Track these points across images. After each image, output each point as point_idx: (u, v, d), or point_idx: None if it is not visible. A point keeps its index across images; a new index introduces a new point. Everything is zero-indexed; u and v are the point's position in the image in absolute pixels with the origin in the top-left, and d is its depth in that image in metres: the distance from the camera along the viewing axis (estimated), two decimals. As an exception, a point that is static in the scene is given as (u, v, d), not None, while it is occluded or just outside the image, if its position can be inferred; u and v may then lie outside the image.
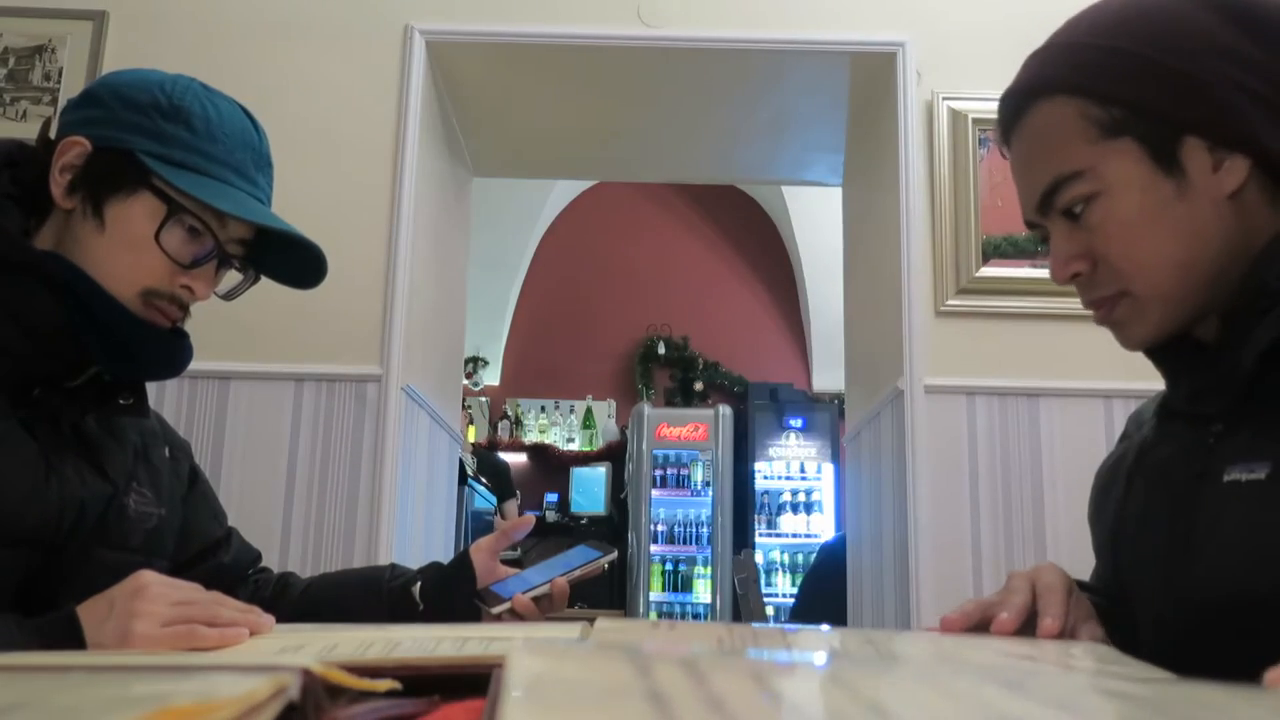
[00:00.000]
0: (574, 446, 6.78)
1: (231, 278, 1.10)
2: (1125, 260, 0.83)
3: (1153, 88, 0.81)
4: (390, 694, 0.51)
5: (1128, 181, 0.82)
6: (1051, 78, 0.86)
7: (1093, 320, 0.90)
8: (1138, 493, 0.91)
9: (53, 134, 1.01)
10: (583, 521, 6.47)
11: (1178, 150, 0.81)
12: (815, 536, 6.09)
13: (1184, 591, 0.81)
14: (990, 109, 2.66)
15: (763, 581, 5.82)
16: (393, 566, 1.20)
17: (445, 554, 3.04)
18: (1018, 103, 0.88)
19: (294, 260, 1.09)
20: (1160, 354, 0.89)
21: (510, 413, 6.83)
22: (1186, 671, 0.62)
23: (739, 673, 0.33)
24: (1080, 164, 0.84)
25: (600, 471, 6.66)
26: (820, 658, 0.45)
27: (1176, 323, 0.84)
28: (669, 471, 6.22)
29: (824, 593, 3.40)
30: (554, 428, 6.82)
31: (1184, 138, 0.81)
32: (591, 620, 0.73)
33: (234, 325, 2.35)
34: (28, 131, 2.16)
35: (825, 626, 0.90)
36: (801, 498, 6.33)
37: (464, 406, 5.23)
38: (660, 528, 6.16)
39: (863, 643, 0.67)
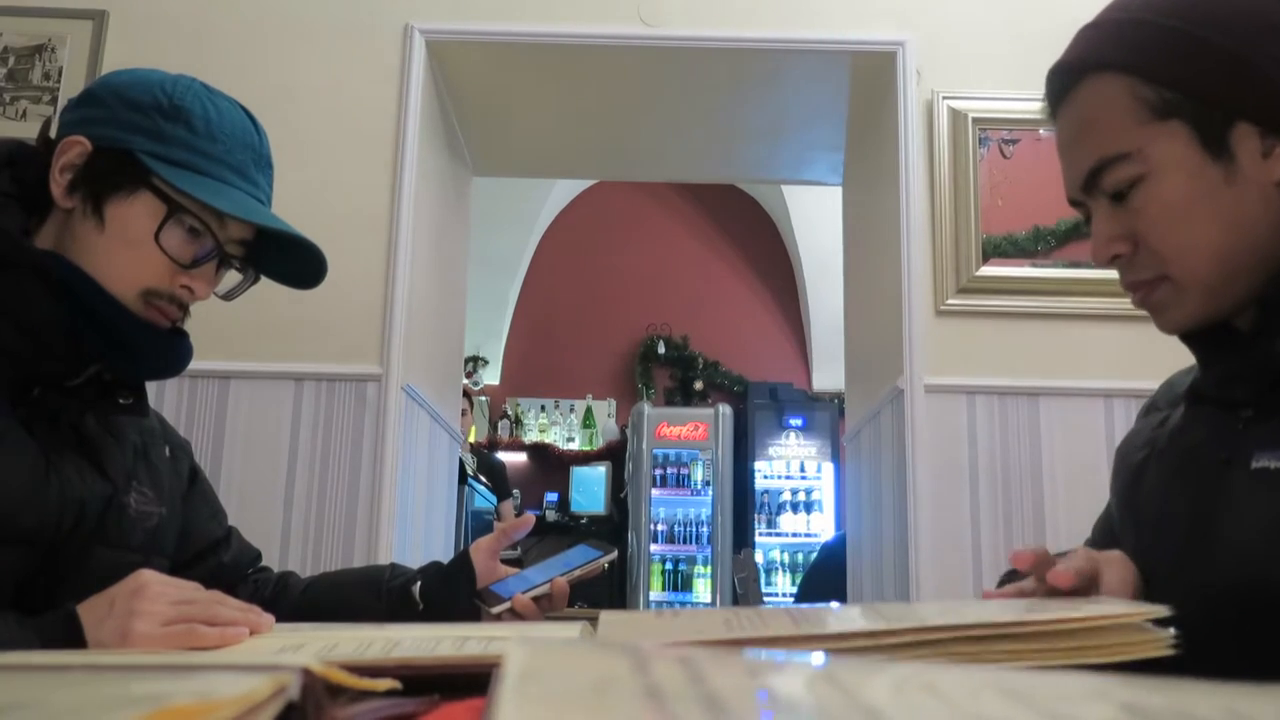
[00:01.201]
0: (574, 446, 6.78)
1: (231, 278, 1.10)
2: (1166, 245, 0.82)
3: (1207, 71, 0.79)
4: (390, 693, 0.51)
5: (1175, 165, 0.81)
6: (1103, 54, 0.84)
7: (1131, 302, 0.88)
8: (1161, 477, 0.90)
9: (53, 133, 1.01)
10: (583, 521, 6.46)
11: (1229, 135, 0.80)
12: (815, 536, 6.09)
13: (1202, 578, 0.80)
14: (990, 108, 2.68)
15: (762, 581, 5.82)
16: (393, 566, 1.20)
17: (445, 554, 3.04)
18: (1067, 77, 0.86)
19: (294, 260, 1.09)
20: (1194, 338, 0.87)
21: (510, 412, 6.83)
22: (1198, 660, 0.62)
23: (737, 671, 0.33)
24: (1128, 145, 0.82)
25: (600, 471, 6.65)
26: (819, 657, 0.45)
27: (1216, 310, 0.83)
28: (669, 471, 6.21)
29: (823, 592, 3.41)
30: (554, 427, 6.82)
31: (1236, 123, 0.79)
32: (593, 620, 0.73)
33: (234, 325, 2.35)
34: (27, 131, 2.16)
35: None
36: (801, 497, 6.33)
37: (469, 409, 5.22)
38: (660, 527, 6.16)
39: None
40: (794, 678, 0.33)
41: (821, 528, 6.18)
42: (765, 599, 5.71)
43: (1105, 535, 1.02)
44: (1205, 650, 0.63)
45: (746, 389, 6.72)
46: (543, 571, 1.09)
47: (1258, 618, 0.75)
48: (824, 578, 3.48)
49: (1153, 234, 0.83)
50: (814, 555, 4.44)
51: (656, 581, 6.13)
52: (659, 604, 6.11)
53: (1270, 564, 0.75)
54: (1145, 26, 0.82)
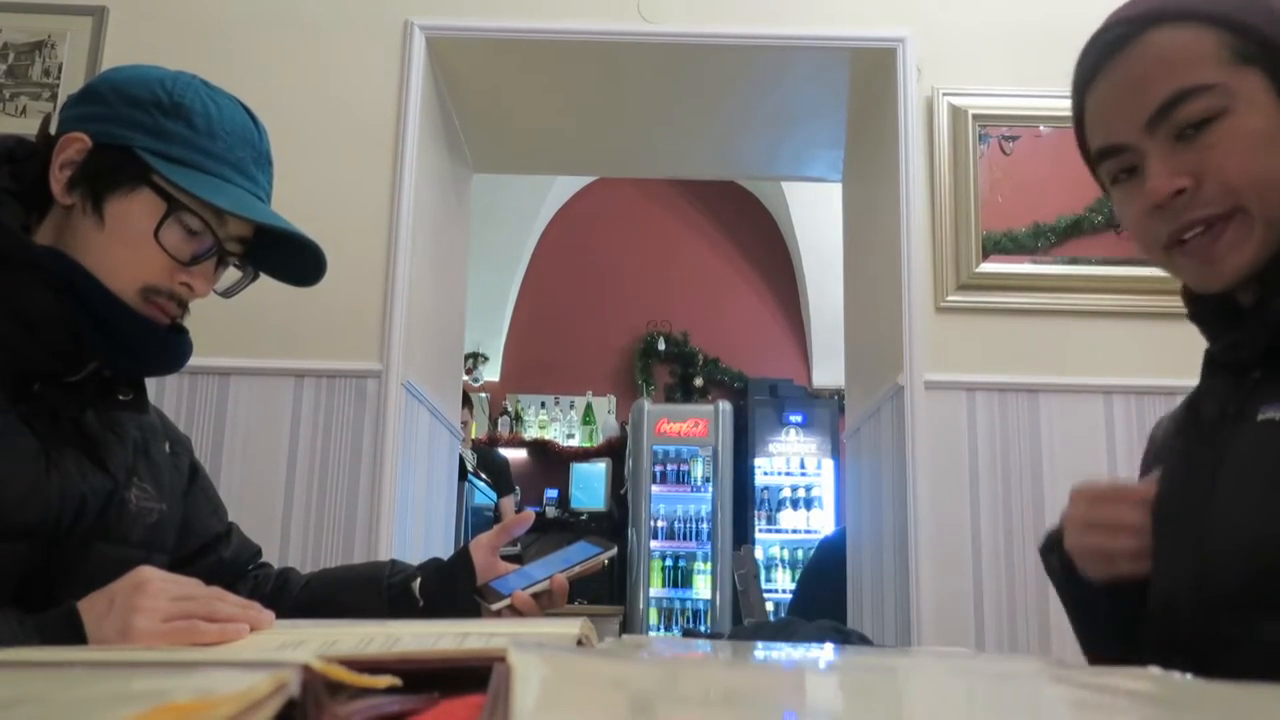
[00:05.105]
0: (574, 442, 6.78)
1: (231, 275, 1.10)
2: (1244, 178, 0.84)
3: None
4: (390, 690, 0.51)
5: (1256, 105, 0.84)
6: (1185, 5, 0.87)
7: (1177, 254, 0.88)
8: (1172, 438, 0.94)
9: (53, 130, 1.01)
10: (583, 517, 6.46)
11: None
12: (815, 532, 6.09)
13: (1205, 531, 0.82)
14: (989, 105, 2.68)
15: (763, 577, 5.82)
16: (393, 563, 1.20)
17: (445, 550, 3.04)
18: (1141, 25, 0.88)
19: (294, 258, 1.08)
20: (1202, 317, 0.92)
21: (510, 409, 6.83)
22: (1200, 642, 0.62)
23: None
24: (1211, 79, 0.85)
25: (600, 467, 6.65)
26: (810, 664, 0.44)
27: (1270, 250, 0.84)
28: (669, 467, 6.21)
29: (823, 586, 3.39)
30: (554, 424, 6.81)
31: None
32: (593, 617, 0.73)
33: (234, 321, 2.35)
34: (27, 127, 2.16)
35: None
36: (801, 494, 6.33)
37: (469, 419, 5.23)
38: (660, 523, 6.16)
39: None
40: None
41: (821, 524, 6.18)
42: (765, 596, 5.71)
43: None
44: (1202, 633, 0.64)
45: (746, 385, 6.72)
46: (543, 568, 1.09)
47: (1257, 585, 0.77)
48: (823, 574, 3.47)
49: (1229, 166, 0.84)
50: (813, 551, 4.44)
51: (657, 578, 6.14)
52: (659, 600, 6.12)
53: (1262, 511, 0.78)
54: None
